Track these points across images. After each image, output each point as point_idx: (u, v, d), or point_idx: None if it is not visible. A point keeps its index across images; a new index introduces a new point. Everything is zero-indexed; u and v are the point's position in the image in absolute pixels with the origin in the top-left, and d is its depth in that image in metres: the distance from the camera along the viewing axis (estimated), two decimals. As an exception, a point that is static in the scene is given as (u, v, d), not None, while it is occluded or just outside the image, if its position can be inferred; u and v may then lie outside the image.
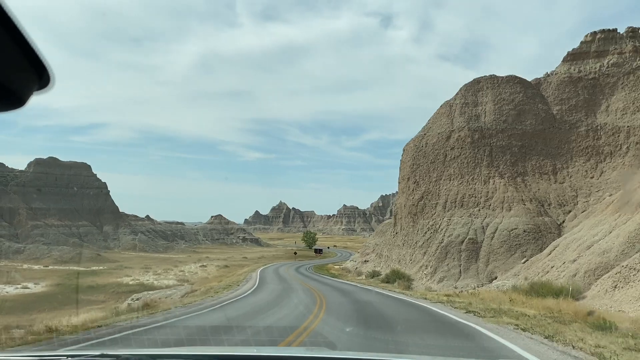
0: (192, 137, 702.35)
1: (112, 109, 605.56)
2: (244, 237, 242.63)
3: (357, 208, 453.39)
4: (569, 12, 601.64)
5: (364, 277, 68.52)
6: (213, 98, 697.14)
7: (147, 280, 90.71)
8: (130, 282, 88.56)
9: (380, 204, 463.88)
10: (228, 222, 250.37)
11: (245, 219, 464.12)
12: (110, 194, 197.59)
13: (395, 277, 54.96)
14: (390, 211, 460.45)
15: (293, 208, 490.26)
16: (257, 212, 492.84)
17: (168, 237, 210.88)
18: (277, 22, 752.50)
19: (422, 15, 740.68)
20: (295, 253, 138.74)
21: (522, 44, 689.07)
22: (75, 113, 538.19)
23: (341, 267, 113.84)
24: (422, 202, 66.22)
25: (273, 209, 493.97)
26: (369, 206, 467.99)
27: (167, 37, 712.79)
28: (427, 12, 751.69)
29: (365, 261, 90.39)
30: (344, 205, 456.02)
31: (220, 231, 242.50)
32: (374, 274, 67.51)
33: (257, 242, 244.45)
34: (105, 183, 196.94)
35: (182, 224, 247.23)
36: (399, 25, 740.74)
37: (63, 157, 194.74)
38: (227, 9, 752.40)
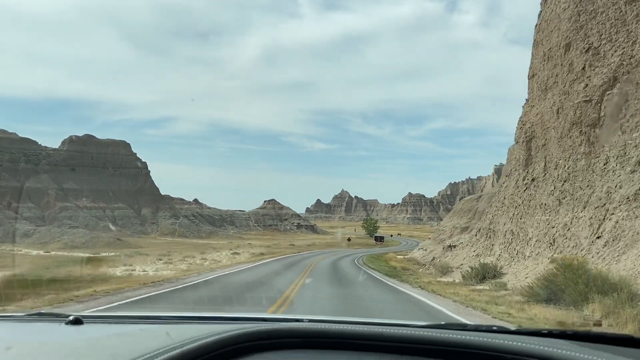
0: (257, 129, 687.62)
1: (181, 103, 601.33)
2: (298, 223, 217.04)
3: (424, 196, 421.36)
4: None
5: (456, 279, 31.92)
6: (276, 90, 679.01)
7: (144, 271, 67.80)
8: (119, 274, 65.22)
9: (449, 192, 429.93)
10: (282, 207, 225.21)
11: (307, 208, 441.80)
12: (152, 175, 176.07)
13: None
14: (460, 200, 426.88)
15: (355, 196, 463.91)
16: (318, 200, 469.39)
17: (215, 222, 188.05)
18: (338, 11, 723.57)
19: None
20: (348, 239, 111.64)
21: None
22: (148, 107, 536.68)
23: (406, 257, 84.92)
24: (611, 94, 24.46)
25: (335, 197, 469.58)
26: (436, 194, 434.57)
27: (231, 30, 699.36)
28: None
29: (451, 247, 60.17)
30: (409, 193, 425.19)
31: (273, 217, 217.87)
32: (493, 274, 28.01)
33: (312, 229, 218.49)
34: (145, 163, 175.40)
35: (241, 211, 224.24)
36: (464, 9, 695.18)
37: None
38: (288, 0, 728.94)
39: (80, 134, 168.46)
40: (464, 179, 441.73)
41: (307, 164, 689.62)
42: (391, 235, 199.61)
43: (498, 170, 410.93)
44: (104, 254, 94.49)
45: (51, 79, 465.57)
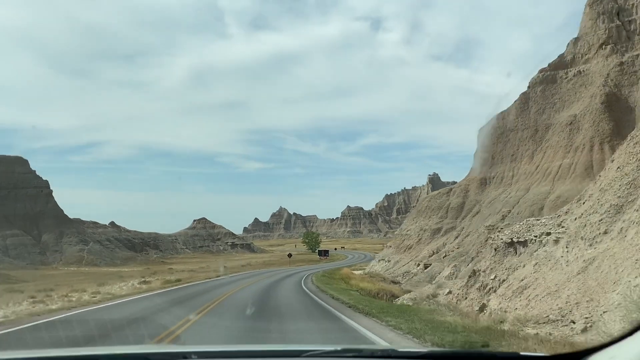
0: (190, 150, 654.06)
1: (108, 127, 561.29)
2: (233, 242, 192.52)
3: (362, 209, 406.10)
4: (557, 6, 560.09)
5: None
6: (209, 111, 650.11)
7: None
8: None
9: (386, 204, 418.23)
10: (214, 225, 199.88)
11: (245, 227, 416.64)
12: (54, 195, 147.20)
13: None
14: (397, 210, 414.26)
15: (294, 213, 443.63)
16: (256, 219, 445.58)
17: (135, 246, 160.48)
18: (267, 31, 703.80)
19: (412, 17, 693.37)
20: (289, 255, 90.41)
21: (514, 40, 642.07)
22: (72, 133, 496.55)
23: (365, 272, 64.08)
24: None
25: (273, 215, 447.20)
26: (374, 207, 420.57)
27: (158, 51, 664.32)
28: (416, 14, 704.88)
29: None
30: (348, 206, 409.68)
31: (204, 237, 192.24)
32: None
33: (249, 247, 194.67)
34: (46, 181, 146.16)
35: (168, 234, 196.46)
36: (389, 28, 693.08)
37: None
38: (215, 21, 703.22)
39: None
40: (399, 190, 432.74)
41: (243, 184, 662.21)
42: (335, 249, 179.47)
43: (432, 180, 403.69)
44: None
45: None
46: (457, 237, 61.58)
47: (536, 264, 20.65)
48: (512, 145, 70.78)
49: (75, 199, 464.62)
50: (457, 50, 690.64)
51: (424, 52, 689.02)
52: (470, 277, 26.13)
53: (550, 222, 22.46)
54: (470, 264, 53.75)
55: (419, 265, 57.98)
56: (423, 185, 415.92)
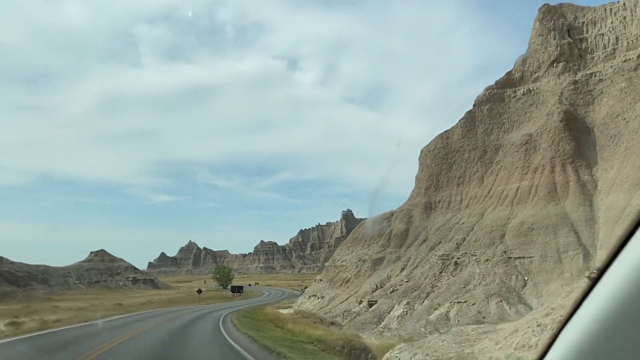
0: (95, 180, 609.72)
1: (4, 153, 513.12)
2: (134, 278, 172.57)
3: (276, 244, 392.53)
4: (463, 59, 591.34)
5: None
6: (117, 140, 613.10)
7: None
8: None
9: (300, 239, 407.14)
10: (114, 259, 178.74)
11: (150, 262, 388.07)
12: None
13: None
14: (312, 246, 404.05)
15: (204, 248, 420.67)
16: (163, 254, 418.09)
17: (19, 280, 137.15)
18: (183, 63, 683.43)
19: (327, 60, 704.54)
20: (199, 291, 76.71)
21: (421, 87, 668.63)
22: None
23: (295, 311, 52.20)
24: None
25: (181, 249, 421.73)
26: (288, 242, 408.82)
27: (65, 76, 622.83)
28: (331, 57, 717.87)
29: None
30: (262, 241, 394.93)
31: (102, 271, 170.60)
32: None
33: (152, 283, 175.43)
34: None
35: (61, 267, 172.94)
36: (305, 68, 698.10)
37: None
38: (129, 49, 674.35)
39: None
40: (314, 226, 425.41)
41: (151, 217, 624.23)
42: (249, 285, 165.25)
43: (346, 216, 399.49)
44: None
45: None
46: (403, 269, 51.67)
47: None
48: (458, 167, 62.78)
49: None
50: (369, 94, 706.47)
51: (338, 94, 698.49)
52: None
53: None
54: (426, 301, 43.70)
55: (361, 302, 47.19)
56: (337, 222, 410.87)
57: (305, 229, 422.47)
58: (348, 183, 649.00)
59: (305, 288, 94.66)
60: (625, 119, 53.03)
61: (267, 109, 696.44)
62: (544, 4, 66.26)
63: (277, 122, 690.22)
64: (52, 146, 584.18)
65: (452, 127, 66.30)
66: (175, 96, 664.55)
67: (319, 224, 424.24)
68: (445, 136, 66.19)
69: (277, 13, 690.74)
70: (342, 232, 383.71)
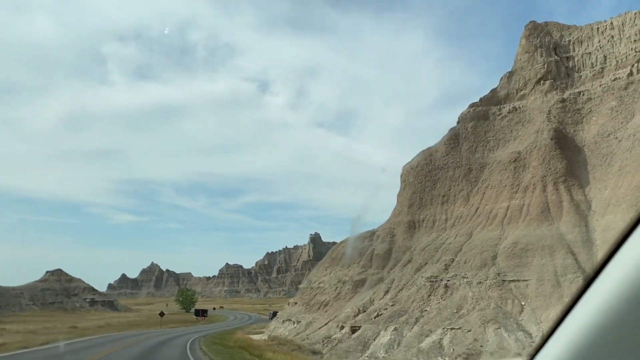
0: (55, 198, 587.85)
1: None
2: (92, 299, 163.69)
3: (242, 267, 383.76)
4: (429, 87, 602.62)
5: None
6: (81, 157, 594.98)
7: None
8: None
9: (266, 262, 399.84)
10: (71, 279, 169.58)
11: (110, 284, 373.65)
12: None
13: None
14: (278, 269, 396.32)
15: (167, 270, 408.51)
16: (124, 275, 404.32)
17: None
18: (152, 81, 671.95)
19: (298, 84, 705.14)
20: (161, 314, 71.00)
21: (390, 114, 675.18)
22: None
23: (268, 337, 47.44)
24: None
25: (143, 271, 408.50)
26: (253, 265, 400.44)
27: (30, 90, 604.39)
28: (302, 81, 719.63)
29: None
30: (227, 263, 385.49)
31: (58, 292, 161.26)
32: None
33: (112, 305, 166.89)
34: None
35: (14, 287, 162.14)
36: (275, 92, 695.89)
37: None
38: (97, 66, 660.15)
39: None
40: (281, 249, 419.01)
41: (112, 237, 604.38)
42: (214, 309, 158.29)
43: (314, 239, 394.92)
44: None
45: None
46: (387, 291, 47.65)
47: None
48: (442, 185, 59.62)
49: None
50: (338, 119, 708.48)
51: (307, 118, 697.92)
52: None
53: None
54: (415, 327, 39.70)
55: (343, 327, 42.84)
56: (304, 245, 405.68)
57: (272, 252, 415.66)
58: (316, 206, 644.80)
59: (276, 312, 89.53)
60: (617, 137, 50.96)
61: (236, 131, 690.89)
62: (530, 21, 64.70)
63: (246, 144, 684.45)
64: (11, 161, 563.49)
65: (436, 144, 63.43)
66: (143, 115, 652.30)
67: (286, 247, 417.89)
68: (428, 153, 63.20)
69: (249, 36, 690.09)
70: (309, 256, 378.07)
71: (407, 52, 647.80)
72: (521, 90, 62.41)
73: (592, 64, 59.01)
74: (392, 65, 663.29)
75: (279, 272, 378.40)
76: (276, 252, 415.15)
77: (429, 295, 43.52)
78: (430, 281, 44.98)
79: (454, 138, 62.70)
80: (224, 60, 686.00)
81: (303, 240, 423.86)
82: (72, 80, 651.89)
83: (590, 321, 1.70)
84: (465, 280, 43.49)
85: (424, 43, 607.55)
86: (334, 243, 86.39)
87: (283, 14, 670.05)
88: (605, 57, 58.05)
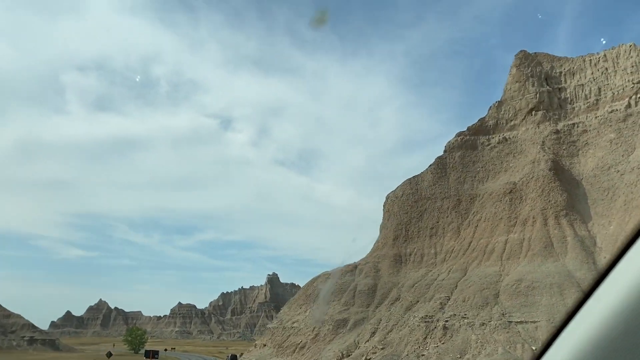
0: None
1: None
2: (31, 337, 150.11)
3: (195, 307, 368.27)
4: (390, 132, 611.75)
5: None
6: (29, 187, 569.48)
7: None
8: None
9: (221, 303, 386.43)
10: (9, 314, 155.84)
11: (53, 322, 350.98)
12: None
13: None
14: (232, 311, 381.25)
15: (115, 308, 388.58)
16: (68, 312, 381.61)
17: None
18: (111, 113, 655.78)
19: (261, 122, 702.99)
20: (109, 355, 62.66)
21: (352, 156, 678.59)
22: None
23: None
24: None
25: (90, 308, 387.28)
26: (207, 305, 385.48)
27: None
28: (265, 119, 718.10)
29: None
30: (179, 303, 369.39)
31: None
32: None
33: (52, 344, 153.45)
34: None
35: None
36: (238, 129, 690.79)
37: None
38: (55, 95, 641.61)
39: None
40: (236, 289, 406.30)
41: (59, 272, 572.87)
42: (165, 350, 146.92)
43: (271, 280, 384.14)
44: None
45: None
46: (374, 333, 41.67)
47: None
48: (430, 216, 54.82)
49: None
50: (300, 158, 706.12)
51: (269, 156, 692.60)
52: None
53: None
54: (414, 374, 33.67)
55: (325, 374, 36.53)
56: (261, 285, 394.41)
57: (227, 292, 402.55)
58: (274, 247, 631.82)
59: (235, 356, 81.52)
60: (619, 171, 47.58)
61: (195, 166, 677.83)
62: (521, 50, 62.16)
63: (205, 180, 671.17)
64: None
65: (422, 172, 58.93)
66: (100, 147, 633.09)
67: (241, 287, 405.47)
68: (414, 182, 58.53)
69: (214, 73, 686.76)
70: (266, 297, 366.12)
71: (370, 97, 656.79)
72: (511, 120, 59.15)
73: (585, 95, 56.38)
74: (356, 108, 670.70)
75: (234, 314, 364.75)
76: (231, 292, 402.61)
77: (425, 338, 37.86)
78: (425, 321, 39.41)
79: (440, 167, 58.47)
80: (187, 95, 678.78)
81: (260, 280, 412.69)
82: (29, 108, 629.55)
83: (588, 334, 1.70)
84: (465, 320, 38.14)
85: (386, 89, 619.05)
86: (292, 284, 79.81)
87: (249, 53, 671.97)
88: (599, 89, 55.53)
